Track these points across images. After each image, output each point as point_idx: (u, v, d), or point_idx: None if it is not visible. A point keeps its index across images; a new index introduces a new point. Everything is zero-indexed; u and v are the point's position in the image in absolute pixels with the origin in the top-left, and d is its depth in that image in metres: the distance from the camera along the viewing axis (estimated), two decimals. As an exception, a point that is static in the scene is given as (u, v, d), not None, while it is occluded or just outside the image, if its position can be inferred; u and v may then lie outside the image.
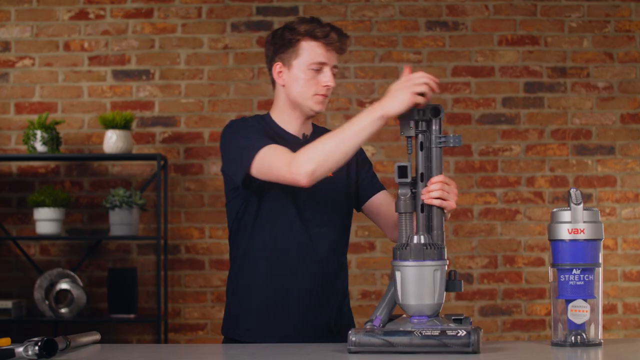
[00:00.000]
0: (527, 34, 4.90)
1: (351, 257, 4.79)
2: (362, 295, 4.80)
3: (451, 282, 2.06)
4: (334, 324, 2.52)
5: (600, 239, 2.09)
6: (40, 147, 4.55)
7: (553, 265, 2.09)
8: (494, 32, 4.90)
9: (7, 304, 4.53)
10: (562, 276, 2.06)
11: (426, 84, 2.10)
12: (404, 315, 2.06)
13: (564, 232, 2.06)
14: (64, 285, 4.54)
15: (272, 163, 2.31)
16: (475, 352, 1.93)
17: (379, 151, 4.84)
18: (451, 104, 4.87)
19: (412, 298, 2.01)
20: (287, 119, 2.52)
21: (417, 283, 2.01)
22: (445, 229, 2.14)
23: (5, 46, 4.87)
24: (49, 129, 4.57)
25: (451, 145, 2.07)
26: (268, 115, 2.55)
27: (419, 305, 2.01)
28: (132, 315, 4.59)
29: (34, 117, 4.74)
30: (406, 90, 2.10)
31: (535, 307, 4.81)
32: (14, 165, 4.85)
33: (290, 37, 2.46)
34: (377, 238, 4.81)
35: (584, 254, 2.05)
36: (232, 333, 2.49)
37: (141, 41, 4.87)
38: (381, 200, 2.59)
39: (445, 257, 2.05)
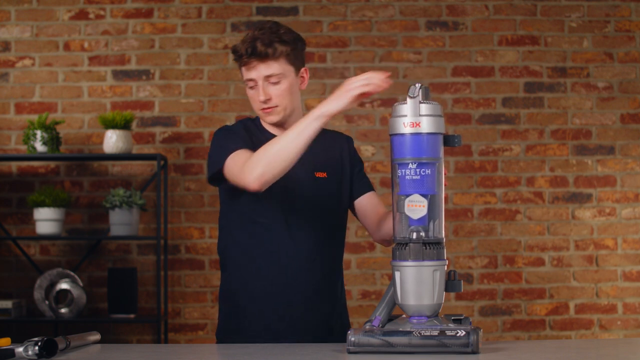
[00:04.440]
0: (527, 34, 4.90)
1: (351, 257, 4.79)
2: (362, 295, 4.80)
3: (451, 282, 2.05)
4: (328, 326, 2.52)
5: (440, 133, 2.03)
6: (40, 147, 4.55)
7: (393, 160, 2.05)
8: (494, 32, 4.90)
9: (7, 304, 4.53)
10: (400, 171, 2.04)
11: (367, 85, 2.14)
12: (404, 316, 2.06)
13: (401, 126, 2.03)
14: (64, 285, 4.54)
15: (234, 168, 2.36)
16: (475, 352, 1.93)
17: (379, 151, 4.84)
18: (451, 104, 4.87)
19: (412, 298, 2.01)
20: (267, 126, 2.58)
21: (417, 283, 2.01)
22: (445, 228, 2.13)
23: (5, 46, 4.87)
24: (49, 129, 4.57)
25: (450, 145, 2.07)
26: (258, 119, 2.60)
27: (418, 305, 2.01)
28: (132, 315, 4.59)
29: (34, 117, 4.74)
30: (346, 92, 2.16)
31: (535, 307, 4.80)
32: (14, 165, 4.85)
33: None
34: (377, 238, 4.81)
35: (420, 148, 2.01)
36: (229, 339, 2.51)
37: (141, 41, 4.88)
38: (368, 201, 2.61)
39: (445, 257, 2.05)
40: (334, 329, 2.53)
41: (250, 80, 2.47)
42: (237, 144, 2.41)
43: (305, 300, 2.48)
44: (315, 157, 2.52)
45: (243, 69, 2.48)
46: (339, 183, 2.57)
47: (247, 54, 2.43)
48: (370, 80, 2.16)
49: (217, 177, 2.43)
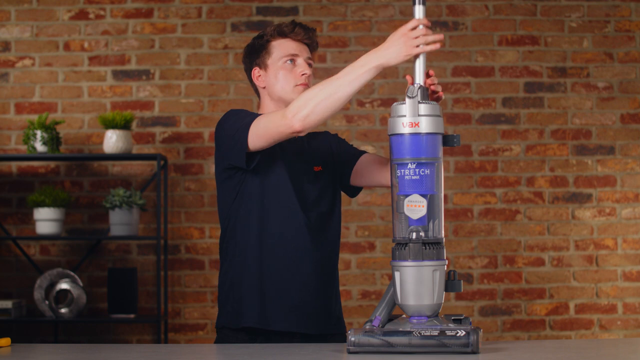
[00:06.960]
0: (527, 34, 4.90)
1: (351, 257, 4.79)
2: (362, 295, 4.80)
3: (450, 282, 2.05)
4: (333, 308, 2.56)
5: (439, 133, 2.03)
6: (40, 147, 4.55)
7: (392, 160, 2.05)
8: (494, 32, 4.90)
9: (7, 304, 4.52)
10: (399, 171, 2.04)
11: (428, 44, 2.11)
12: (404, 316, 2.06)
13: (400, 126, 2.03)
14: (64, 285, 4.54)
15: (266, 124, 2.37)
16: (475, 352, 1.93)
17: (378, 151, 4.84)
18: (451, 104, 4.87)
19: (411, 298, 2.01)
20: None
21: (416, 283, 2.01)
22: (445, 228, 2.14)
23: (5, 46, 4.87)
24: (49, 129, 4.57)
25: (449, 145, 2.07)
26: None
27: (418, 305, 2.01)
28: (132, 315, 4.59)
29: (34, 117, 4.74)
30: (405, 42, 2.12)
31: (535, 307, 4.80)
32: (14, 165, 4.85)
33: (261, 42, 2.58)
34: (377, 238, 4.81)
35: (419, 148, 2.02)
36: (236, 323, 2.49)
37: (141, 41, 4.87)
38: (366, 159, 2.64)
39: (445, 257, 2.05)
40: (337, 315, 2.58)
41: (292, 55, 2.54)
42: (253, 116, 2.44)
43: (312, 281, 2.51)
44: (313, 153, 2.61)
45: (283, 46, 2.55)
46: (331, 173, 2.62)
47: (302, 33, 2.55)
48: (430, 39, 2.10)
49: (249, 157, 2.43)
